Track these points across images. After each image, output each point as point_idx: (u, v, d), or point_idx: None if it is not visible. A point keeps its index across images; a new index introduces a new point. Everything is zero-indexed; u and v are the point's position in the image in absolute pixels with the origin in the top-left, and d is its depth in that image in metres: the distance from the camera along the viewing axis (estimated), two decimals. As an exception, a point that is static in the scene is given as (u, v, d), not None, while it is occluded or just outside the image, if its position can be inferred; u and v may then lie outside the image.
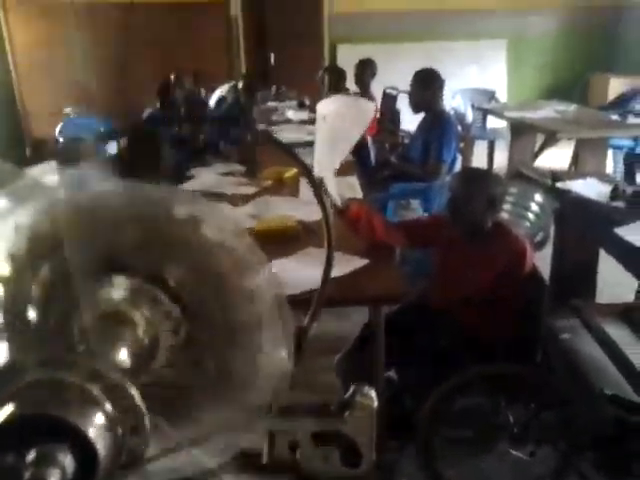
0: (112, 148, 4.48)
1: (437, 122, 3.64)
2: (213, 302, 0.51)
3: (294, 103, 6.28)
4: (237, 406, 0.55)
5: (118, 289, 0.50)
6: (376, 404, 0.68)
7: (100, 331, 0.48)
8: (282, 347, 0.54)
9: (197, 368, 0.53)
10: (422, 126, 3.84)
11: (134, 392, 0.42)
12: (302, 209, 2.54)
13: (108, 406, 0.41)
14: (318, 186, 0.68)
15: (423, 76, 3.72)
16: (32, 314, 0.51)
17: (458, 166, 4.47)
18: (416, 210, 4.23)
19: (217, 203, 0.53)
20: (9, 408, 0.38)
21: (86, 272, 0.49)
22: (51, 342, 0.49)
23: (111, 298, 0.50)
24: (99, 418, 0.40)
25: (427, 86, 3.66)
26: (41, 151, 7.34)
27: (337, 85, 5.27)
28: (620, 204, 2.56)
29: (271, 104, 6.26)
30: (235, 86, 5.24)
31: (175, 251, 0.51)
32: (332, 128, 2.08)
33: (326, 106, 2.22)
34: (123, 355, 0.47)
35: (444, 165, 3.57)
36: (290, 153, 0.74)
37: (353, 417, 0.67)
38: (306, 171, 0.69)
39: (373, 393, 0.69)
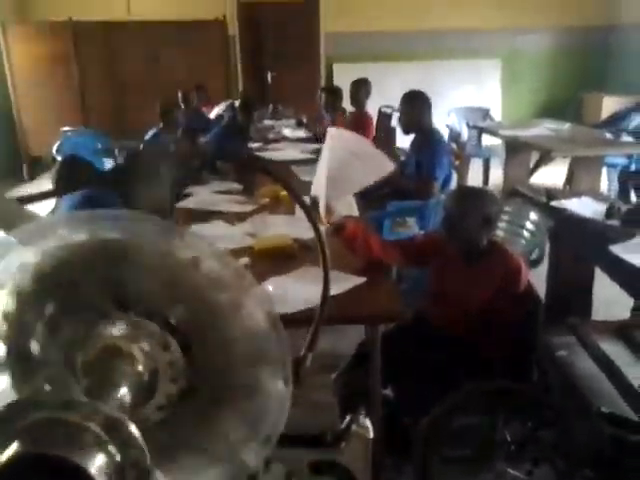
0: (109, 165, 4.50)
1: (427, 141, 3.70)
2: (211, 338, 0.52)
3: (291, 121, 6.33)
4: (235, 438, 0.55)
5: (118, 325, 0.51)
6: (372, 434, 0.69)
7: (101, 366, 0.49)
8: (280, 379, 0.54)
9: (195, 402, 0.53)
10: (413, 146, 3.91)
11: (134, 429, 0.43)
12: (299, 227, 2.55)
13: (109, 444, 0.41)
14: (309, 210, 0.68)
15: (410, 97, 3.79)
16: (35, 349, 0.52)
17: (454, 184, 4.50)
18: (412, 227, 4.24)
19: (217, 245, 0.53)
20: (13, 447, 0.39)
21: (88, 309, 0.50)
22: (53, 377, 0.50)
23: (111, 334, 0.51)
24: (100, 457, 0.41)
25: (415, 107, 3.72)
26: (37, 168, 7.38)
27: (333, 104, 5.31)
28: (615, 222, 2.58)
29: (268, 122, 6.31)
30: (232, 104, 5.28)
31: (175, 289, 0.52)
32: (345, 166, 2.11)
33: (351, 142, 2.24)
34: (123, 390, 0.48)
35: (436, 183, 3.62)
36: (278, 178, 0.76)
37: (349, 447, 0.67)
38: (296, 197, 0.69)
39: (369, 422, 0.69)
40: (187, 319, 0.52)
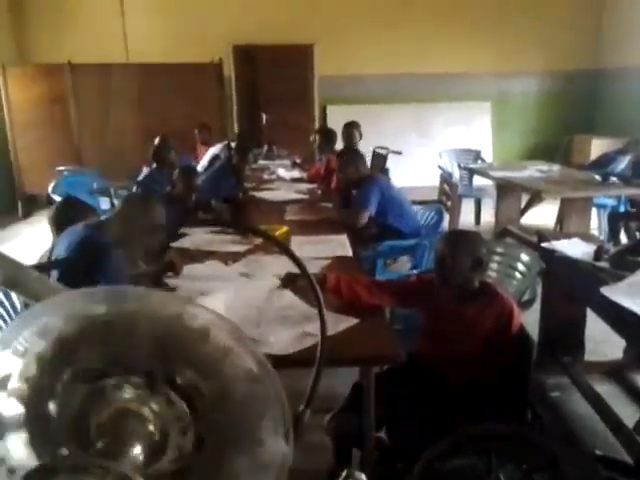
0: (105, 205, 4.53)
1: (361, 182, 3.97)
2: (217, 400, 0.55)
3: (285, 162, 6.41)
4: None
5: (129, 388, 0.54)
6: None
7: (114, 428, 0.52)
8: (281, 437, 0.57)
9: (202, 456, 0.56)
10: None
11: None
12: (292, 267, 2.57)
13: None
14: (302, 264, 0.71)
15: (343, 154, 4.21)
16: (52, 411, 0.55)
17: (445, 224, 4.56)
18: (405, 266, 4.27)
19: (226, 318, 0.57)
20: None
21: (102, 374, 0.53)
22: (69, 438, 0.52)
23: (123, 397, 0.54)
24: None
25: (349, 163, 4.01)
26: (32, 207, 7.41)
27: (326, 146, 5.40)
28: (605, 264, 2.61)
29: (263, 162, 6.39)
30: (229, 145, 5.36)
31: (184, 355, 0.55)
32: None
33: None
34: (137, 450, 0.51)
35: (366, 211, 3.83)
36: (267, 237, 0.79)
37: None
38: (288, 254, 0.72)
39: (364, 477, 0.71)
40: (193, 381, 0.55)
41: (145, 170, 4.89)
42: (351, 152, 4.23)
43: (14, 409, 0.56)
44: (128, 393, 0.55)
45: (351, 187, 4.04)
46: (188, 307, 0.56)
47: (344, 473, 0.70)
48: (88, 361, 0.54)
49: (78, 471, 0.43)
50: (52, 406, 0.55)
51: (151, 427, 0.54)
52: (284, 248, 0.71)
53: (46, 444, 0.55)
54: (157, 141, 4.76)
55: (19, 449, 0.56)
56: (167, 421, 0.54)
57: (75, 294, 0.55)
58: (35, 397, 0.55)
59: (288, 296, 2.35)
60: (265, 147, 6.99)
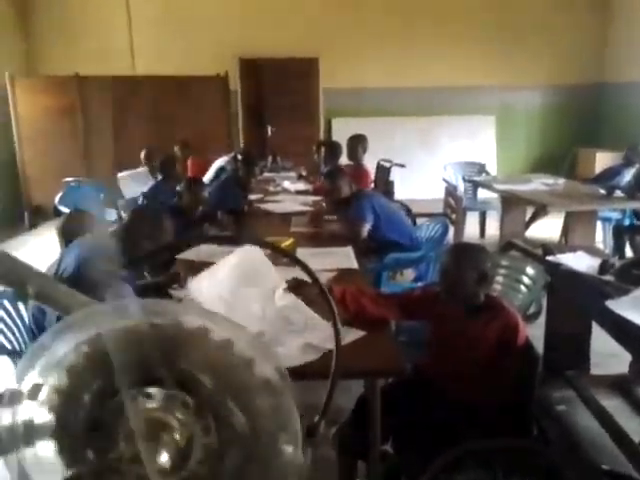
0: (112, 216, 4.56)
1: (353, 199, 4.01)
2: (237, 408, 0.58)
3: (290, 174, 6.44)
4: None
5: (156, 398, 0.57)
6: None
7: (142, 437, 0.54)
8: (298, 449, 0.59)
9: (224, 463, 0.58)
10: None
11: None
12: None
13: None
14: (315, 276, 0.72)
15: (330, 174, 4.20)
16: (81, 421, 0.57)
17: (450, 237, 4.56)
18: (410, 278, 4.28)
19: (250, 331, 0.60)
20: None
21: (129, 385, 0.56)
22: (97, 447, 0.54)
23: (150, 407, 0.57)
24: None
25: (335, 182, 4.05)
26: (39, 217, 7.45)
27: (331, 159, 5.43)
28: (610, 278, 2.60)
29: (268, 175, 6.43)
30: (235, 156, 5.40)
31: (209, 367, 0.57)
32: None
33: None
34: (164, 457, 0.53)
35: (365, 224, 3.85)
36: (279, 250, 0.80)
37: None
38: (303, 267, 0.73)
39: None
40: (217, 394, 0.57)
41: (152, 182, 4.92)
42: (332, 172, 4.25)
43: (44, 418, 0.57)
44: (154, 403, 0.56)
45: (342, 206, 4.07)
46: (212, 320, 0.58)
47: None
48: (117, 373, 0.56)
49: (100, 476, 0.45)
50: (81, 416, 0.57)
51: (176, 435, 0.55)
52: (296, 260, 0.73)
53: (74, 453, 0.57)
54: (164, 154, 4.81)
55: (48, 457, 0.58)
56: (191, 428, 0.56)
57: (107, 307, 0.57)
58: (65, 407, 0.57)
59: (291, 297, 2.35)
60: (270, 159, 7.04)
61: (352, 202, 3.97)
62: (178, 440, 0.55)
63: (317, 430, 0.66)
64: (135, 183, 5.49)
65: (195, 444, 0.56)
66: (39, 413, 0.57)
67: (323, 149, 5.63)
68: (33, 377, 0.57)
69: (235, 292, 2.17)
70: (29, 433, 0.57)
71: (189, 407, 0.57)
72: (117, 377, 0.54)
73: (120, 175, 5.76)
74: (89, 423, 0.57)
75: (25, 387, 0.57)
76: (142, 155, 6.04)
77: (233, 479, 0.58)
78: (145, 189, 4.85)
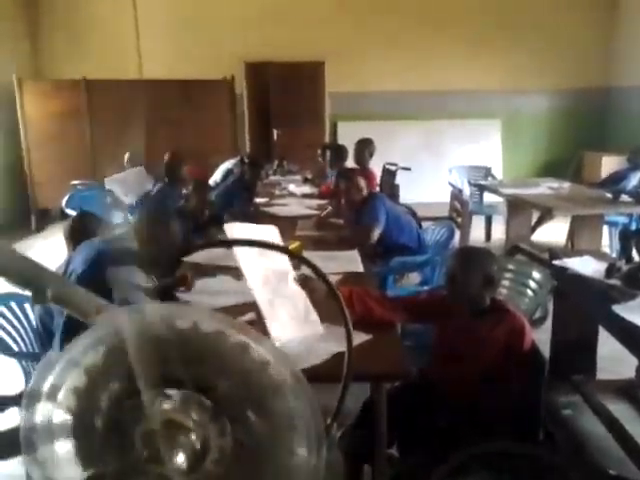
0: (119, 219, 4.57)
1: (367, 200, 4.00)
2: (252, 409, 0.58)
3: (296, 177, 6.46)
4: None
5: (172, 399, 0.57)
6: None
7: (159, 437, 0.55)
8: (313, 450, 0.59)
9: (239, 465, 0.58)
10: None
11: None
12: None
13: None
14: (326, 278, 0.73)
15: (345, 174, 4.21)
16: (98, 422, 0.58)
17: (456, 241, 4.56)
18: (416, 282, 4.27)
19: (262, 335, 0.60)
20: None
21: (146, 386, 0.56)
22: (114, 448, 0.55)
23: (167, 408, 0.57)
24: None
25: (352, 180, 4.03)
26: (45, 220, 7.49)
27: (337, 162, 5.44)
28: (617, 282, 2.60)
29: (274, 178, 6.44)
30: (242, 160, 5.41)
31: (225, 369, 0.58)
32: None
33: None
34: (180, 457, 0.54)
35: (375, 228, 3.85)
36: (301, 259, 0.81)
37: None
38: (313, 268, 0.74)
39: None
40: (233, 395, 0.58)
41: (157, 185, 4.94)
42: (347, 172, 4.24)
43: (63, 418, 0.58)
44: (171, 404, 0.57)
45: (356, 207, 4.06)
46: (228, 324, 0.59)
47: None
48: (133, 374, 0.57)
49: (122, 476, 0.45)
50: (98, 417, 0.58)
51: (193, 436, 0.56)
52: (307, 262, 0.73)
53: (92, 453, 0.57)
54: (168, 156, 4.82)
55: (66, 457, 0.58)
56: (207, 428, 0.57)
57: (125, 310, 0.58)
58: (83, 408, 0.58)
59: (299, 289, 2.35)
60: (276, 162, 7.05)
61: (367, 203, 3.96)
62: (194, 441, 0.56)
63: (329, 432, 0.66)
64: (122, 185, 5.57)
65: (211, 445, 0.57)
66: (58, 413, 0.58)
67: (328, 152, 5.63)
68: (52, 378, 0.58)
69: (254, 258, 2.19)
70: (48, 433, 0.58)
71: (206, 409, 0.57)
72: (136, 378, 0.55)
73: (107, 179, 5.83)
74: (107, 423, 0.57)
75: (44, 387, 0.58)
76: (125, 158, 6.25)
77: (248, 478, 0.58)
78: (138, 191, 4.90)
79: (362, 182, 4.03)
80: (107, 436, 0.57)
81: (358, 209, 4.02)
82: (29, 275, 0.65)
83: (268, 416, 0.58)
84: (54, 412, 0.58)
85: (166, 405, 0.57)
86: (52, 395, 0.58)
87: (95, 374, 0.58)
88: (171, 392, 0.57)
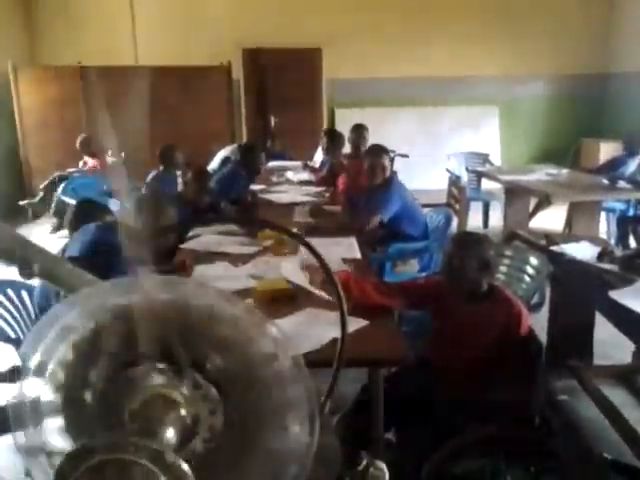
0: (115, 207, 4.56)
1: (386, 186, 3.93)
2: (245, 385, 0.58)
3: (294, 164, 6.42)
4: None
5: (162, 374, 0.57)
6: (387, 476, 0.71)
7: (148, 412, 0.54)
8: (306, 428, 0.59)
9: (231, 443, 0.58)
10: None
11: (187, 469, 0.48)
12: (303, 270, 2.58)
13: (160, 477, 0.46)
14: (324, 261, 0.72)
15: (375, 151, 4.07)
16: (87, 397, 0.58)
17: (454, 227, 4.56)
18: (414, 268, 4.28)
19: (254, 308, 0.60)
20: None
21: (136, 360, 0.56)
22: (104, 423, 0.54)
23: (156, 382, 0.57)
24: None
25: (380, 159, 3.94)
26: (41, 208, 7.46)
27: (333, 149, 5.42)
28: (614, 267, 2.61)
29: (271, 164, 6.41)
30: (240, 147, 5.39)
31: (214, 345, 0.57)
32: None
33: None
34: (170, 433, 0.53)
35: (377, 216, 3.79)
36: (293, 234, 0.81)
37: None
38: (310, 249, 0.73)
39: (384, 465, 0.72)
40: (224, 370, 0.57)
41: (153, 172, 4.92)
42: (377, 149, 4.08)
43: (51, 395, 0.58)
44: (160, 379, 0.57)
45: (373, 187, 3.95)
46: (219, 298, 0.58)
47: (364, 462, 0.72)
48: (121, 348, 0.56)
49: (114, 450, 0.45)
50: (87, 392, 0.57)
51: (183, 411, 0.56)
52: (304, 243, 0.73)
53: (81, 429, 0.57)
54: (164, 144, 4.81)
55: (56, 434, 0.58)
56: (198, 405, 0.56)
57: (108, 285, 0.57)
58: (71, 383, 0.57)
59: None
60: (269, 142, 7.05)
61: (384, 187, 3.88)
62: (184, 416, 0.56)
63: (324, 410, 0.66)
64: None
65: (202, 422, 0.57)
66: (46, 389, 0.58)
67: (325, 139, 5.61)
68: (39, 353, 0.58)
69: None
70: (36, 409, 0.57)
71: (197, 384, 0.57)
72: (121, 353, 0.55)
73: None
74: (97, 397, 0.57)
75: (32, 363, 0.58)
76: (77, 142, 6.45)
77: (239, 457, 0.58)
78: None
79: (387, 162, 3.96)
80: (96, 412, 0.56)
81: (373, 189, 3.93)
82: (15, 249, 0.64)
83: (260, 393, 0.58)
84: (43, 387, 0.57)
85: (155, 380, 0.56)
86: (40, 370, 0.57)
87: (83, 349, 0.57)
88: (162, 367, 0.56)
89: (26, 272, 0.63)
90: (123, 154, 6.35)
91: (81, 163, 6.72)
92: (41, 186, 6.77)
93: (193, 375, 0.56)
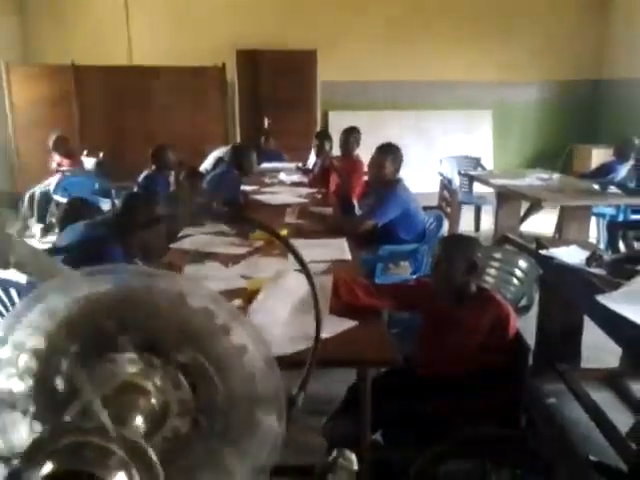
0: (106, 206, 4.56)
1: (387, 189, 3.84)
2: (216, 378, 0.59)
3: (286, 165, 6.43)
4: (234, 470, 0.60)
5: (134, 363, 0.58)
6: (356, 467, 0.72)
7: (119, 399, 0.55)
8: (275, 418, 0.59)
9: (200, 432, 0.59)
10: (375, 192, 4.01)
11: (152, 454, 0.48)
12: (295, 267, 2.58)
13: (132, 467, 0.47)
14: (303, 260, 0.73)
15: (385, 150, 3.99)
16: (59, 384, 0.58)
17: (444, 230, 4.57)
18: (405, 270, 4.28)
19: (228, 301, 0.60)
20: (47, 466, 0.45)
21: (108, 349, 0.57)
22: (74, 409, 0.55)
23: (128, 371, 0.58)
24: (122, 476, 0.46)
25: (386, 159, 3.88)
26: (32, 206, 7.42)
27: (323, 150, 5.43)
28: (602, 271, 2.62)
29: (264, 166, 6.41)
30: (233, 148, 5.39)
31: (184, 334, 0.58)
32: None
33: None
34: (139, 420, 0.54)
35: (370, 221, 3.74)
36: (275, 234, 0.82)
37: (336, 478, 0.71)
38: (292, 251, 0.74)
39: (354, 456, 0.73)
40: (195, 361, 0.58)
41: (145, 171, 4.91)
42: (387, 147, 4.01)
43: (24, 383, 0.58)
44: (132, 367, 0.57)
45: (375, 186, 3.88)
46: (192, 287, 0.59)
47: (334, 452, 0.73)
48: (93, 336, 0.57)
49: (82, 433, 0.46)
50: (59, 380, 0.58)
51: (153, 400, 0.56)
52: (287, 244, 0.73)
53: (53, 416, 0.57)
54: (156, 144, 4.80)
55: (27, 420, 0.59)
56: (168, 396, 0.57)
57: (80, 274, 0.58)
58: (43, 372, 0.58)
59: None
60: (262, 139, 7.06)
61: (387, 190, 3.80)
62: (154, 405, 0.56)
63: (297, 402, 0.67)
64: None
65: (171, 410, 0.57)
66: (18, 378, 0.58)
67: (317, 141, 5.62)
68: (12, 343, 0.58)
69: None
70: (8, 398, 0.58)
71: (166, 372, 0.57)
72: (93, 341, 0.55)
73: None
74: (66, 387, 0.57)
75: (4, 353, 0.58)
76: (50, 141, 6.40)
77: (209, 445, 0.59)
78: None
79: (389, 162, 3.85)
80: (67, 399, 0.56)
81: (376, 189, 3.85)
82: None
83: (230, 382, 0.58)
84: (15, 377, 0.58)
85: (127, 368, 0.57)
86: (12, 360, 0.58)
87: (54, 338, 0.57)
88: (131, 356, 0.57)
89: (1, 262, 0.63)
90: (101, 154, 6.35)
91: (54, 164, 6.63)
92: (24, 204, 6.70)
93: (163, 365, 0.57)
